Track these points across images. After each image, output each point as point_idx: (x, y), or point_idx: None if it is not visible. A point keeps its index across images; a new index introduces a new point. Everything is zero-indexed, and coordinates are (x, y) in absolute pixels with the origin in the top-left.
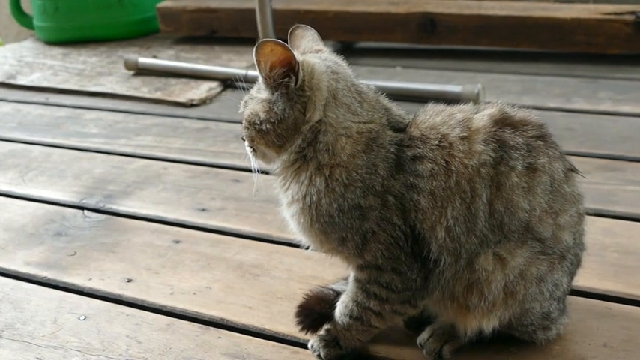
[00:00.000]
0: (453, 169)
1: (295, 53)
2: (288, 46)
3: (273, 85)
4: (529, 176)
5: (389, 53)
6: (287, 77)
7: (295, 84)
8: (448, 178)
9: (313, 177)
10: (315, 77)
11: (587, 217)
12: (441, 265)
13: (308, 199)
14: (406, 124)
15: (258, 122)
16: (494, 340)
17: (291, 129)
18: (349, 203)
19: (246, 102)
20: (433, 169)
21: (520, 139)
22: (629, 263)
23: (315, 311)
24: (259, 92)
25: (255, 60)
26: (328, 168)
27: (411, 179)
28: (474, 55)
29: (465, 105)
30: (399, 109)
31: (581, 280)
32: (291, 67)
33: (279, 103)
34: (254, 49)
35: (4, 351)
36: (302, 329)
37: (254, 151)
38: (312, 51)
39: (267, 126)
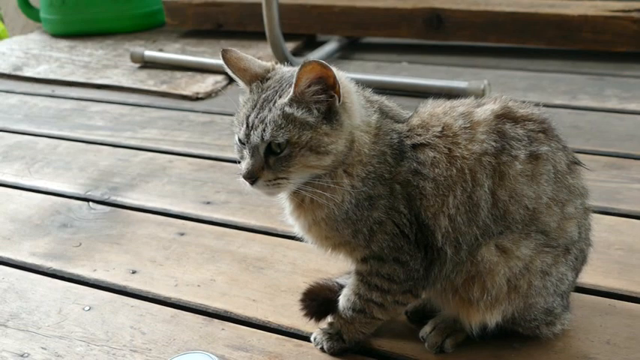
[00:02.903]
0: (457, 155)
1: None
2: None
3: (327, 101)
4: (533, 164)
5: (395, 49)
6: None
7: (339, 99)
8: (450, 166)
9: (340, 179)
10: (344, 84)
11: (593, 215)
12: (443, 255)
13: (332, 203)
14: (405, 116)
15: (325, 144)
16: (497, 335)
17: (348, 140)
18: (363, 195)
19: (286, 128)
20: (435, 157)
21: (521, 131)
22: (633, 261)
23: (320, 297)
24: (306, 114)
25: (315, 82)
26: (352, 166)
27: (415, 164)
28: (481, 51)
29: (467, 99)
30: (389, 101)
31: (586, 277)
32: (333, 82)
33: (337, 117)
34: (315, 73)
35: (9, 340)
36: (306, 315)
37: (286, 181)
38: (268, 68)
39: (332, 147)
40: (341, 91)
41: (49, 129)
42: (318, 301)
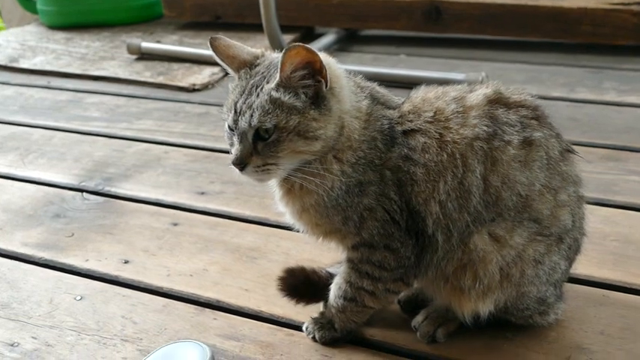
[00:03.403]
0: (448, 140)
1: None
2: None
3: (314, 85)
4: (525, 149)
5: (393, 41)
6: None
7: (326, 84)
8: (441, 151)
9: (330, 164)
10: (333, 69)
11: (589, 206)
12: (434, 242)
13: (322, 189)
14: (397, 102)
15: (313, 129)
16: (490, 325)
17: (337, 125)
18: (353, 182)
19: (273, 113)
20: (425, 143)
21: (513, 117)
22: (628, 252)
23: (298, 275)
24: (293, 99)
25: (301, 67)
26: (342, 151)
27: (405, 150)
28: (479, 43)
29: (459, 85)
30: (380, 87)
31: (580, 268)
32: (320, 66)
33: (325, 102)
34: (301, 57)
35: None
36: (281, 290)
37: (275, 167)
38: (257, 55)
39: (320, 132)
40: (329, 76)
41: (45, 120)
42: (296, 277)
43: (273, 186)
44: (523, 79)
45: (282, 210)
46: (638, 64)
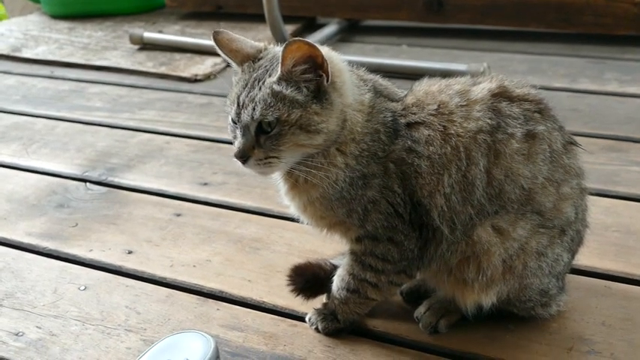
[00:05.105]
0: (452, 133)
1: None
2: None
3: (316, 80)
4: (529, 143)
5: (395, 31)
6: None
7: (327, 79)
8: (444, 144)
9: (333, 157)
10: (335, 63)
11: (590, 197)
12: (438, 235)
13: (326, 182)
14: (399, 95)
15: (315, 123)
16: (492, 316)
17: (340, 119)
18: (357, 174)
19: (275, 107)
20: (429, 135)
21: (517, 110)
22: (630, 243)
23: (308, 273)
24: (295, 93)
25: (302, 62)
26: (345, 144)
27: (409, 143)
28: (481, 34)
29: (462, 78)
30: (383, 80)
31: (582, 259)
32: (321, 61)
33: (327, 96)
34: (302, 52)
35: (4, 319)
36: (293, 290)
37: (278, 160)
38: (260, 48)
39: (322, 125)
40: (331, 70)
41: (47, 110)
42: (306, 276)
43: (279, 180)
44: (524, 69)
45: (287, 204)
46: (639, 55)
